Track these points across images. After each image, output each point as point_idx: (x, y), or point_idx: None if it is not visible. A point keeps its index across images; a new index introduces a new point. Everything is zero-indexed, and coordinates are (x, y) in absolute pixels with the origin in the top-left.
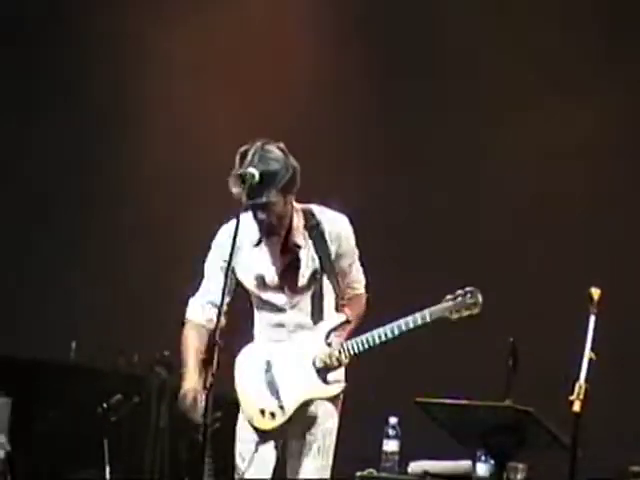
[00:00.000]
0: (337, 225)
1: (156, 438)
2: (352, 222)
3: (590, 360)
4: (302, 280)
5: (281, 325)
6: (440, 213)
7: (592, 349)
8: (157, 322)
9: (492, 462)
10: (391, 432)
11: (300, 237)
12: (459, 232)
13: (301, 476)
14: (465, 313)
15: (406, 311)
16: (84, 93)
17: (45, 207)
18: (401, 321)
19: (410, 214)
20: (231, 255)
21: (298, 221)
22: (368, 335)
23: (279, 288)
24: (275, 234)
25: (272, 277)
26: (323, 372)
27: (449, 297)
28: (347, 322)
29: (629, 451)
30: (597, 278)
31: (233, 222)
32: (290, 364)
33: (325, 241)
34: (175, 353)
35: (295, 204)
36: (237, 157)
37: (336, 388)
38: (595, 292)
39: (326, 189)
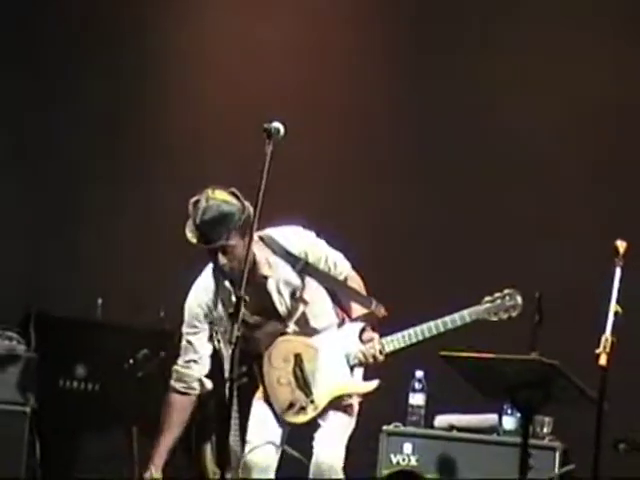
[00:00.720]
0: (299, 241)
1: None
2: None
3: (616, 313)
4: (282, 309)
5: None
6: (459, 207)
7: (618, 302)
8: (182, 278)
9: (518, 415)
10: (417, 385)
11: (265, 267)
12: (482, 188)
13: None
14: (504, 315)
15: (440, 308)
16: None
17: (77, 168)
18: (439, 321)
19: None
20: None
21: (261, 253)
22: (405, 333)
23: (266, 320)
24: (240, 277)
25: (252, 318)
26: (356, 369)
27: (488, 299)
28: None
29: None
30: (624, 230)
31: (196, 289)
32: (322, 359)
33: (299, 258)
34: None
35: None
36: (190, 207)
37: (372, 384)
38: (621, 245)
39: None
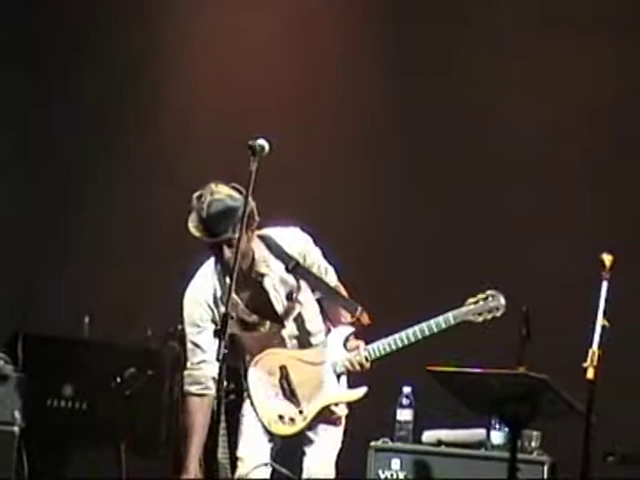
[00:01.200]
0: (296, 243)
1: (170, 411)
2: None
3: (603, 327)
4: (279, 307)
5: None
6: (449, 205)
7: (604, 315)
8: (170, 296)
9: (506, 430)
10: (405, 401)
11: (263, 266)
12: (467, 200)
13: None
14: (489, 316)
15: (428, 311)
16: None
17: (64, 183)
18: (424, 325)
19: (419, 211)
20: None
21: (259, 251)
22: (390, 339)
23: (263, 321)
24: (240, 272)
25: (250, 317)
26: (343, 377)
27: (471, 300)
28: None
29: None
30: (609, 243)
31: (195, 288)
32: (308, 370)
33: (294, 259)
34: None
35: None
36: (193, 201)
37: (359, 392)
38: (607, 258)
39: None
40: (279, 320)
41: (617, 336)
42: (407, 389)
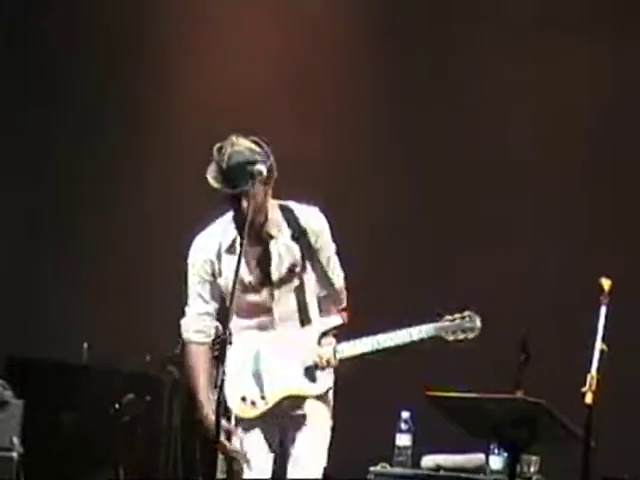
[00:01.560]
0: (313, 219)
1: (169, 436)
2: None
3: (602, 351)
4: (276, 274)
5: (267, 324)
6: (445, 210)
7: (603, 340)
8: (168, 322)
9: (505, 455)
10: (404, 426)
11: (274, 229)
12: (464, 229)
13: (298, 458)
14: (461, 336)
15: (409, 314)
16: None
17: (58, 206)
18: (397, 332)
19: (414, 212)
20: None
21: (273, 214)
22: (363, 341)
23: (259, 286)
24: (251, 228)
25: (249, 276)
26: (311, 371)
27: (448, 317)
28: (342, 325)
29: None
30: (607, 268)
31: (203, 236)
32: (279, 357)
33: (305, 234)
34: None
35: (271, 200)
36: (214, 153)
37: (320, 388)
38: (606, 282)
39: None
40: (271, 288)
41: (616, 360)
42: (406, 414)
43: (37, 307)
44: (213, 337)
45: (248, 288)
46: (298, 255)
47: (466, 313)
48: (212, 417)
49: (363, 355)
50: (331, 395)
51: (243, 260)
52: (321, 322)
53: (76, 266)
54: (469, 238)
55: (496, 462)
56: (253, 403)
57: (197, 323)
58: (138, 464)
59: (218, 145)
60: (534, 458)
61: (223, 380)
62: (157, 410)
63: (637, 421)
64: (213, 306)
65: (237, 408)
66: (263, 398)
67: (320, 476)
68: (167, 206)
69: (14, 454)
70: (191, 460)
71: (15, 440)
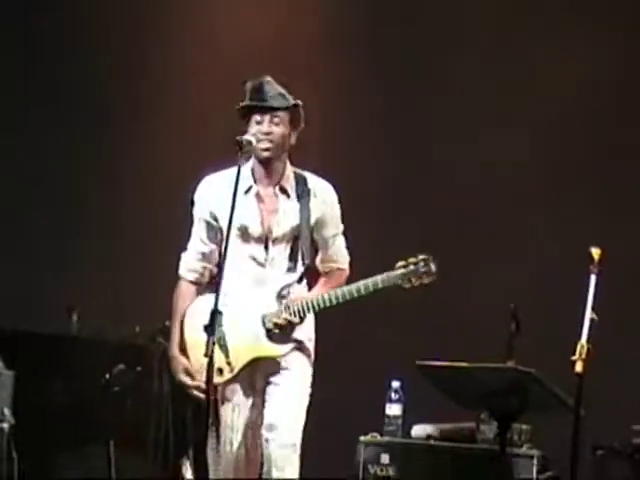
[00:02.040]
0: (325, 192)
1: (160, 407)
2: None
3: (592, 320)
4: (277, 229)
5: (260, 280)
6: (433, 182)
7: (593, 309)
8: (158, 293)
9: (495, 424)
10: (394, 396)
11: (289, 187)
12: (455, 198)
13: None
14: (417, 282)
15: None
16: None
17: (45, 175)
18: (352, 286)
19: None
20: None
21: (289, 175)
22: (318, 296)
23: (260, 239)
24: (270, 175)
25: (256, 226)
26: (272, 331)
27: (401, 264)
28: (299, 281)
29: (632, 411)
30: (598, 237)
31: (214, 176)
32: (241, 321)
33: (309, 208)
34: None
35: (289, 165)
36: (248, 86)
37: (284, 348)
38: (595, 252)
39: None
40: (267, 243)
41: (607, 329)
42: (396, 384)
43: (27, 279)
44: (206, 279)
45: (248, 238)
46: (298, 219)
47: (420, 257)
48: (179, 358)
49: (320, 309)
50: (311, 345)
51: (257, 208)
52: (277, 280)
53: (65, 237)
54: (455, 213)
55: (486, 431)
56: (220, 370)
57: (191, 262)
58: (129, 434)
59: (252, 80)
60: (524, 427)
61: (212, 353)
62: (147, 381)
63: (626, 389)
64: (209, 248)
65: (202, 375)
66: (229, 364)
67: (299, 436)
68: (156, 176)
69: (5, 425)
70: (182, 430)
71: (6, 411)
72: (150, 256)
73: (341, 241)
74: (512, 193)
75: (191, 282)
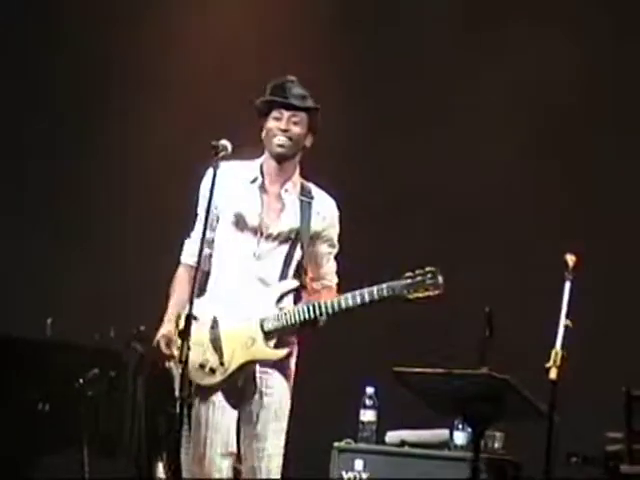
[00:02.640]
0: (327, 209)
1: (133, 412)
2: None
3: (566, 327)
4: (274, 226)
5: (245, 274)
6: (414, 186)
7: (567, 316)
8: (132, 298)
9: (469, 430)
10: (368, 402)
11: (294, 191)
12: (433, 203)
13: (260, 438)
14: (423, 294)
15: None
16: None
17: (20, 184)
18: (356, 292)
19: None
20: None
21: (297, 181)
22: (320, 302)
23: (254, 232)
24: (280, 173)
25: (253, 217)
26: (271, 334)
27: (408, 274)
28: (301, 288)
29: (606, 418)
30: (573, 244)
31: (223, 163)
32: (237, 322)
33: (310, 218)
34: (152, 329)
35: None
36: (270, 84)
37: (281, 352)
38: (570, 258)
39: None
40: (266, 237)
41: (581, 336)
42: (370, 390)
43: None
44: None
45: (242, 228)
46: (298, 223)
47: (428, 269)
48: (167, 326)
49: (322, 316)
50: (292, 362)
51: (259, 198)
52: (279, 285)
53: (41, 240)
54: (440, 220)
55: (460, 438)
56: (212, 371)
57: (192, 246)
58: (102, 440)
59: (277, 80)
60: (498, 434)
61: (187, 357)
62: (121, 386)
63: (601, 396)
64: (211, 235)
65: (195, 376)
66: (222, 365)
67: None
68: (136, 173)
69: None
70: (155, 436)
71: None
72: (127, 261)
73: (333, 262)
74: (496, 199)
75: (190, 266)
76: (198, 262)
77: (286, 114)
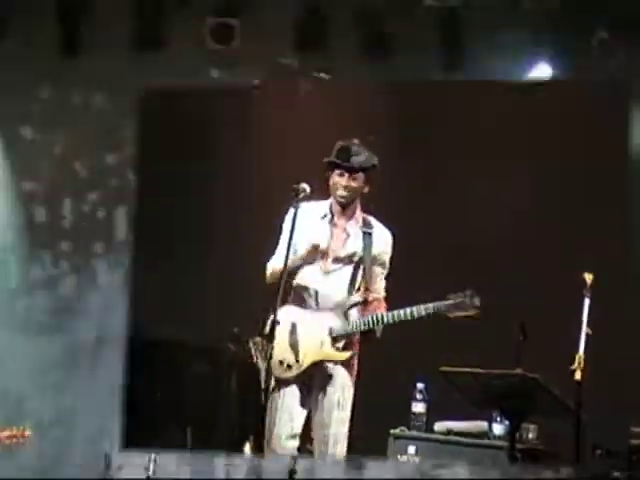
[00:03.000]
0: (383, 238)
1: (228, 399)
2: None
3: (587, 335)
4: (342, 250)
5: (317, 290)
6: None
7: (587, 325)
8: (229, 304)
9: (506, 422)
10: (419, 396)
11: (357, 225)
12: (468, 234)
13: (325, 426)
14: (462, 314)
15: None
16: None
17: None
18: (407, 309)
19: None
20: None
21: (359, 216)
22: (374, 316)
23: (325, 254)
24: (345, 210)
25: (325, 242)
26: (337, 340)
27: (452, 296)
28: (365, 302)
29: (629, 415)
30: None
31: (304, 203)
32: (311, 329)
33: (371, 245)
34: (243, 330)
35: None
36: (337, 145)
37: (345, 354)
38: (588, 277)
39: None
40: (334, 259)
41: (601, 343)
42: (420, 385)
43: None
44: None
45: (315, 254)
46: (361, 250)
47: (467, 292)
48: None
49: (375, 327)
50: (355, 361)
51: (329, 229)
52: (348, 299)
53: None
54: (475, 233)
55: (498, 429)
56: (289, 366)
57: (275, 266)
58: (201, 426)
59: (342, 143)
60: (532, 426)
61: (271, 354)
62: (218, 380)
63: (625, 394)
64: (291, 257)
65: (276, 369)
66: (297, 362)
67: (345, 432)
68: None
69: None
70: (245, 424)
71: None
72: (226, 274)
73: (384, 280)
74: (528, 236)
75: (273, 283)
76: (280, 279)
77: (347, 173)
